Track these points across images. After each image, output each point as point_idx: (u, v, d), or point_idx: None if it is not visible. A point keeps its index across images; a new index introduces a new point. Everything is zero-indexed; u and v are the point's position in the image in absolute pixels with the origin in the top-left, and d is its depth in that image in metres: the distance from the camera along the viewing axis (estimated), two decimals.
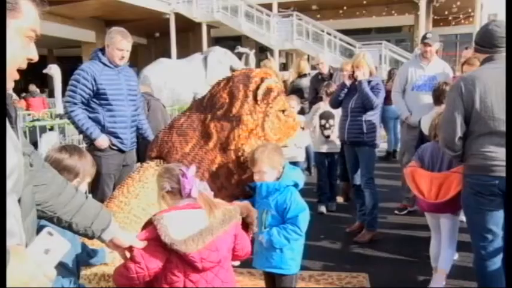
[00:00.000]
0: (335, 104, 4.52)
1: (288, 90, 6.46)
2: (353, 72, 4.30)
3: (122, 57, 3.64)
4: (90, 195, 1.65)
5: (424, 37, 4.99)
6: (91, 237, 1.61)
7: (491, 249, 2.65)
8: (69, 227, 1.56)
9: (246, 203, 1.97)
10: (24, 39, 1.19)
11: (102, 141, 3.60)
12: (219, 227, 1.74)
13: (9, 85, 1.18)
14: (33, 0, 1.20)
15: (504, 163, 2.50)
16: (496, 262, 2.65)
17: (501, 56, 2.58)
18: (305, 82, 6.59)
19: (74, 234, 1.67)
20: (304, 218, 2.44)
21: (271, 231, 2.42)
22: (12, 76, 1.18)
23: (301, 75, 6.81)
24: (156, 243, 1.67)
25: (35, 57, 1.24)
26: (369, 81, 4.24)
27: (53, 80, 10.09)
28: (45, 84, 18.20)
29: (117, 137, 3.67)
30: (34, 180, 1.41)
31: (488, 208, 2.61)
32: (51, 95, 13.99)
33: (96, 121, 3.61)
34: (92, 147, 3.64)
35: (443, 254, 3.24)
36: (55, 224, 1.54)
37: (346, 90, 4.36)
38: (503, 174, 2.50)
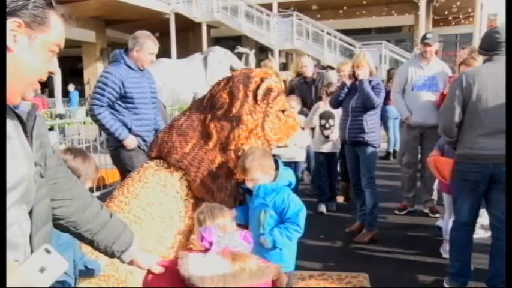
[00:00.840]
0: (335, 104, 4.52)
1: (286, 89, 6.48)
2: (353, 72, 4.31)
3: (151, 61, 3.70)
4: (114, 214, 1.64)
5: (424, 37, 4.98)
6: (110, 257, 1.59)
7: (467, 220, 3.12)
8: (90, 244, 1.55)
9: (278, 265, 1.84)
10: (48, 53, 1.20)
11: (131, 141, 3.61)
12: (245, 277, 1.64)
13: (30, 96, 1.19)
14: (62, 15, 1.21)
15: (490, 152, 2.85)
16: (468, 228, 3.14)
17: (499, 58, 2.94)
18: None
19: (73, 238, 1.66)
20: (303, 216, 2.47)
21: (273, 232, 2.42)
22: (33, 86, 1.20)
23: (299, 75, 6.81)
24: (172, 276, 1.62)
25: (55, 71, 1.26)
26: (369, 81, 4.24)
27: (53, 80, 10.10)
28: (45, 84, 18.22)
29: (143, 140, 3.69)
30: (60, 194, 1.40)
31: (471, 193, 3.02)
32: (51, 95, 13.99)
33: (123, 124, 3.60)
34: (119, 149, 3.65)
35: None
36: (77, 239, 1.52)
37: (346, 90, 4.36)
38: (488, 162, 2.86)
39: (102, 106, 3.55)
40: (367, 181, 4.31)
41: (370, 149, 4.30)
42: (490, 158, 2.84)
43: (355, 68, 4.29)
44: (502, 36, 2.92)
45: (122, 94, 3.56)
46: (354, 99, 4.28)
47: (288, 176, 2.54)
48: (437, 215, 4.87)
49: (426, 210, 5.05)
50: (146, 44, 3.60)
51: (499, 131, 2.79)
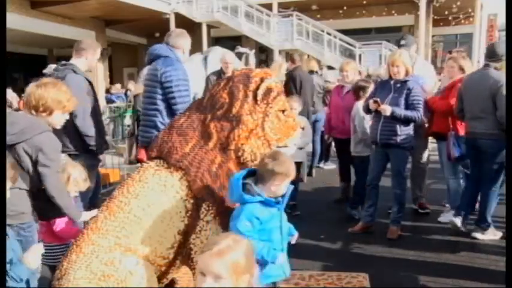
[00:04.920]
0: (368, 110, 4.37)
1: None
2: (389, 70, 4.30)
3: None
4: None
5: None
6: None
7: (473, 175, 4.34)
8: None
9: None
10: None
11: None
12: None
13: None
14: None
15: (471, 130, 4.15)
16: (474, 179, 4.32)
17: (494, 64, 4.06)
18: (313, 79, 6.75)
19: None
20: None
21: (291, 230, 2.54)
22: None
23: (309, 72, 6.94)
24: None
25: None
26: (405, 81, 4.18)
27: None
28: None
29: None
30: None
31: (471, 156, 4.29)
32: None
33: None
34: None
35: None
36: None
37: (376, 95, 4.27)
38: (470, 137, 4.17)
39: None
40: (398, 182, 4.31)
41: (402, 152, 4.26)
42: (471, 134, 4.15)
43: (390, 67, 4.22)
44: (500, 48, 4.08)
45: None
46: (388, 100, 4.18)
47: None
48: (427, 211, 5.01)
49: (415, 207, 5.08)
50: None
51: (476, 117, 4.08)
